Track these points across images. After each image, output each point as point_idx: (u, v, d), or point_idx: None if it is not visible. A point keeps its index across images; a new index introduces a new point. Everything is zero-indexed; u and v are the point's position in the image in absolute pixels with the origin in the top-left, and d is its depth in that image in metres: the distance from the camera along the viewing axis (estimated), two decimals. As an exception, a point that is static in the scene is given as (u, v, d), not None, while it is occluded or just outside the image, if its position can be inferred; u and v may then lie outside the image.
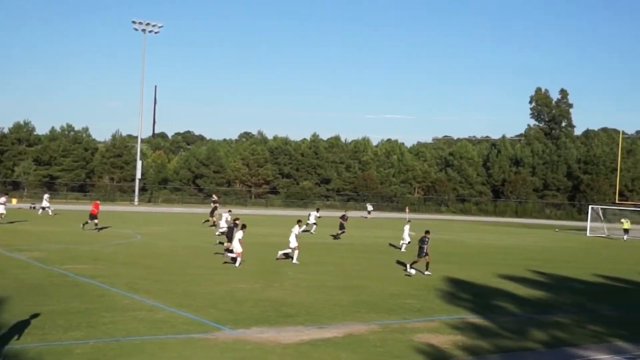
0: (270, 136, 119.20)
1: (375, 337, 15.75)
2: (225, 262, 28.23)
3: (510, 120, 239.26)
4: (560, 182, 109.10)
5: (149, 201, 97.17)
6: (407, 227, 38.92)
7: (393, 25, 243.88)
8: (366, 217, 78.00)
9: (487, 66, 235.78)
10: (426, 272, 27.59)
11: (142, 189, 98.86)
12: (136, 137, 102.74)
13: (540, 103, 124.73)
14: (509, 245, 47.67)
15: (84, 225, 42.76)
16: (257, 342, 14.67)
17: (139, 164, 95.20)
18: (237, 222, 31.19)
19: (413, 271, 27.40)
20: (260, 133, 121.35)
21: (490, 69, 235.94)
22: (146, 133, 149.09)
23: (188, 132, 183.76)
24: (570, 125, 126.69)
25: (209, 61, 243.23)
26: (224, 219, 39.75)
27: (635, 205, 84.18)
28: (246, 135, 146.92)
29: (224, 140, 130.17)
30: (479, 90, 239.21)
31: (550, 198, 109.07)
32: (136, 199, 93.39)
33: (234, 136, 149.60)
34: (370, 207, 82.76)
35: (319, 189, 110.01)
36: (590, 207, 70.27)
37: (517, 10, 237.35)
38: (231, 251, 28.48)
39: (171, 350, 13.66)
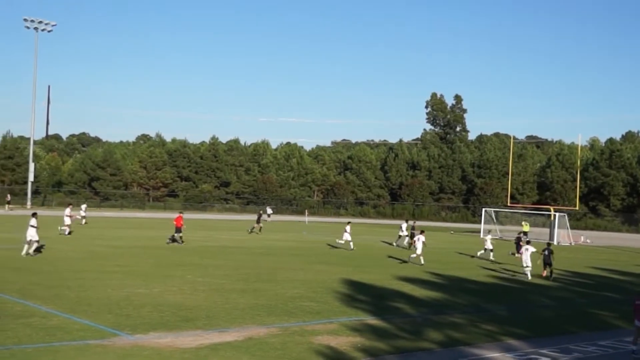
0: (168, 139, 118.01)
1: (275, 340, 15.77)
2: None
3: (407, 124, 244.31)
4: (455, 186, 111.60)
5: (43, 204, 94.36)
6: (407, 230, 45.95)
7: (292, 28, 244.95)
8: (266, 220, 77.97)
9: (385, 71, 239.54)
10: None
11: (35, 192, 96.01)
12: (28, 139, 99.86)
13: (436, 108, 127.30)
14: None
15: (179, 240, 41.07)
16: (155, 347, 14.47)
17: (31, 166, 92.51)
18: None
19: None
20: (158, 135, 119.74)
21: (388, 73, 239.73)
22: (39, 134, 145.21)
23: (83, 133, 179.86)
24: (465, 130, 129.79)
25: (105, 61, 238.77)
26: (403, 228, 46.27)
27: (525, 208, 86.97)
28: (144, 137, 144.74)
29: (121, 142, 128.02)
30: (377, 95, 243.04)
31: (445, 201, 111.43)
32: (29, 202, 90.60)
33: (132, 138, 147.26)
34: (269, 210, 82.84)
35: (219, 192, 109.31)
36: (483, 209, 72.10)
37: (414, 15, 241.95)
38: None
39: (66, 358, 13.33)
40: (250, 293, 22.73)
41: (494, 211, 73.97)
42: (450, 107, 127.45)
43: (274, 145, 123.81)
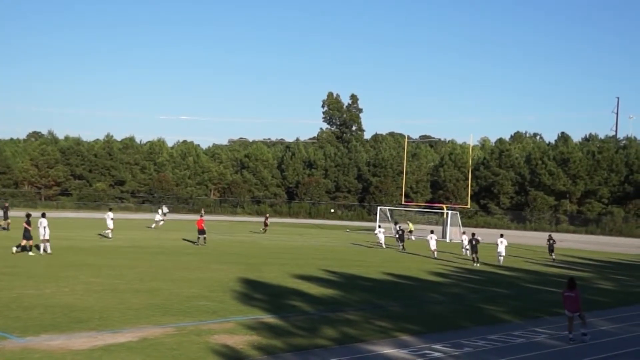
0: (61, 136, 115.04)
1: (171, 340, 15.67)
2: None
3: (303, 123, 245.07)
4: (351, 184, 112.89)
5: None
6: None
7: (188, 24, 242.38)
8: (163, 220, 76.85)
9: (282, 69, 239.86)
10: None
11: None
12: None
13: (332, 107, 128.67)
14: (303, 245, 48.82)
15: (197, 241, 44.07)
16: (46, 349, 14.16)
17: None
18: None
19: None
20: (50, 133, 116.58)
21: (285, 72, 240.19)
22: None
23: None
24: (360, 129, 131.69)
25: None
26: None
27: (419, 206, 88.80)
28: (35, 134, 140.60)
29: (11, 139, 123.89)
30: (274, 93, 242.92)
31: (341, 199, 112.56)
32: None
33: (22, 135, 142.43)
34: (165, 209, 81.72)
35: (113, 191, 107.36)
36: (378, 208, 73.19)
37: (310, 14, 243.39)
38: None
39: (-48, 362, 12.93)
40: (145, 293, 22.48)
41: (389, 209, 75.25)
42: (346, 106, 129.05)
43: (170, 144, 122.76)
